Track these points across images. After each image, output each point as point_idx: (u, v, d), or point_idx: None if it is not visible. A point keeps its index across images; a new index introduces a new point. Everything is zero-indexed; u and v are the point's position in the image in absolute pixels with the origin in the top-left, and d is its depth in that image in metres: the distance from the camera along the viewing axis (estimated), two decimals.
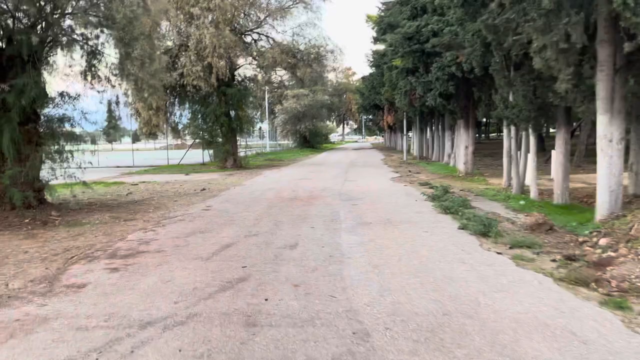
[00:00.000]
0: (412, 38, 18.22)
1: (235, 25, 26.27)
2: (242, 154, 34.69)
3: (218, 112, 26.32)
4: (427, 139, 34.07)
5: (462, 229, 8.53)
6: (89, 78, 13.68)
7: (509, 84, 11.63)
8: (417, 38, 18.17)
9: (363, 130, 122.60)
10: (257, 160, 37.13)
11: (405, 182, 18.02)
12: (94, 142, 55.74)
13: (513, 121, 11.71)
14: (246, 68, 28.74)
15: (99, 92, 14.53)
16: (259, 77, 31.09)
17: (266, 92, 56.37)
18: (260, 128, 79.17)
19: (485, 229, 7.99)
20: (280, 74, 62.51)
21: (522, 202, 11.48)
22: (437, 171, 22.84)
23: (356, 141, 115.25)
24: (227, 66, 25.55)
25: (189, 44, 25.18)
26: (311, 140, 57.74)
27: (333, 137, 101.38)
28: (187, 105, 28.22)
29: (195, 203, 12.99)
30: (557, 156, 11.15)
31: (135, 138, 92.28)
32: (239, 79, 29.08)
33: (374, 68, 53.76)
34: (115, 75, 14.28)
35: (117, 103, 14.53)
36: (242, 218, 10.25)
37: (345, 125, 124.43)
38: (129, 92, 26.49)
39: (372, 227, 8.96)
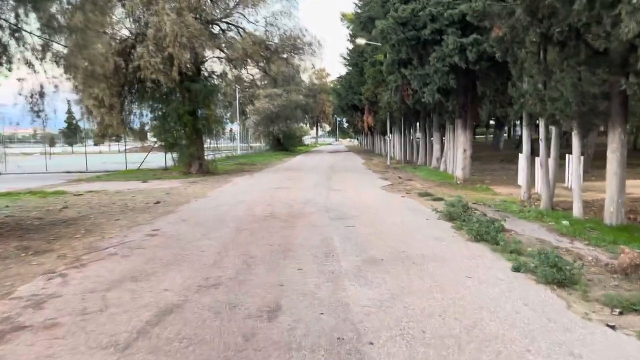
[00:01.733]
0: (407, 24, 15.60)
1: (201, 12, 23.21)
2: (210, 157, 31.56)
3: (181, 110, 23.19)
4: (414, 141, 31.67)
5: (520, 271, 5.85)
6: (2, 61, 10.61)
7: (545, 72, 9.06)
8: (412, 23, 15.57)
9: (337, 133, 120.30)
10: (226, 164, 34.02)
11: (400, 191, 15.37)
12: (52, 144, 51.19)
13: (553, 118, 9.15)
14: (214, 62, 25.73)
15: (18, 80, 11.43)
16: (228, 72, 28.07)
17: (237, 91, 53.25)
18: (230, 130, 75.91)
19: (561, 275, 5.33)
20: (252, 73, 59.58)
21: (565, 223, 8.92)
22: (430, 177, 20.30)
23: (330, 144, 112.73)
24: (192, 58, 22.50)
25: (146, 33, 22.08)
26: (285, 143, 54.81)
27: (306, 139, 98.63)
28: (147, 103, 24.92)
29: (141, 223, 9.99)
30: (611, 163, 8.63)
31: (99, 140, 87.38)
32: (206, 74, 26.01)
33: (350, 67, 51.32)
34: (40, 58, 11.22)
35: (42, 95, 11.28)
36: (198, 251, 7.34)
37: (319, 128, 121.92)
38: (78, 85, 23.30)
39: (386, 267, 6.19)
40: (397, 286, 5.40)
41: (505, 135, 53.22)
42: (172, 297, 5.16)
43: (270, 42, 24.62)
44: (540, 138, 10.65)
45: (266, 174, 24.34)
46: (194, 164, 24.77)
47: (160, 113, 24.75)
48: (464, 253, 6.89)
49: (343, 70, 61.65)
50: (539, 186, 13.19)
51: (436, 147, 25.84)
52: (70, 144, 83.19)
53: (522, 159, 12.58)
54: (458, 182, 17.96)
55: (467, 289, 5.29)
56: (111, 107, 22.55)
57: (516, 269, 5.88)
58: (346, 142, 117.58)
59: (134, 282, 5.76)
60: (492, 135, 55.24)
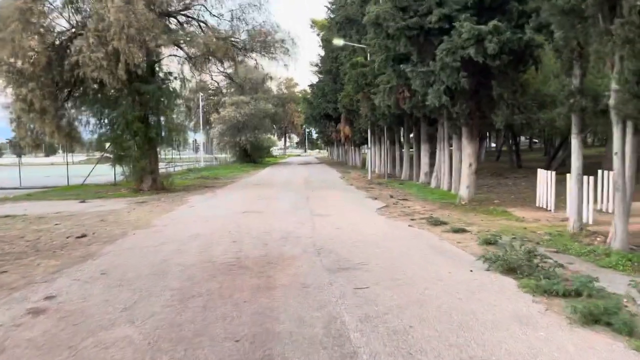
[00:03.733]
0: (407, 9, 12.60)
1: (154, 2, 19.66)
2: (165, 170, 27.77)
3: (130, 116, 19.51)
4: (395, 153, 28.71)
5: None
6: None
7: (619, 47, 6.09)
8: (413, 8, 12.58)
9: (306, 144, 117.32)
10: (187, 178, 30.29)
11: (400, 216, 12.24)
12: None
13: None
14: (171, 61, 22.14)
15: None
16: (189, 74, 24.46)
17: (200, 98, 49.53)
18: (194, 140, 71.72)
19: None
20: (218, 79, 56.01)
21: None
22: (426, 196, 17.28)
23: (299, 155, 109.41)
24: (143, 55, 18.92)
25: (87, 23, 18.44)
26: (252, 154, 51.18)
27: (274, 150, 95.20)
28: (91, 108, 21.03)
29: (34, 281, 6.44)
30: None
31: (51, 151, 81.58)
32: (162, 75, 22.31)
33: (322, 75, 48.45)
34: None
35: None
36: (102, 356, 3.93)
37: (287, 139, 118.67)
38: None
39: None
40: None
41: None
42: None
43: (237, 39, 21.26)
44: (615, 151, 7.66)
45: (232, 191, 20.85)
46: (146, 179, 21.07)
47: (106, 120, 21.02)
48: None
49: (311, 81, 58.76)
50: (587, 213, 10.30)
51: (425, 160, 22.95)
52: (19, 155, 76.85)
53: (572, 177, 9.60)
54: (463, 203, 14.99)
55: None
56: (43, 111, 18.66)
57: None
58: (315, 153, 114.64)
59: None
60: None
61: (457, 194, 17.19)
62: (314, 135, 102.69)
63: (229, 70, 49.68)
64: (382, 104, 16.01)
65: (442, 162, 20.08)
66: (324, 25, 50.53)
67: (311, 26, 58.65)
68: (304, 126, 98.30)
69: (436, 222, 10.91)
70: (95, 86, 19.28)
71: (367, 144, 34.68)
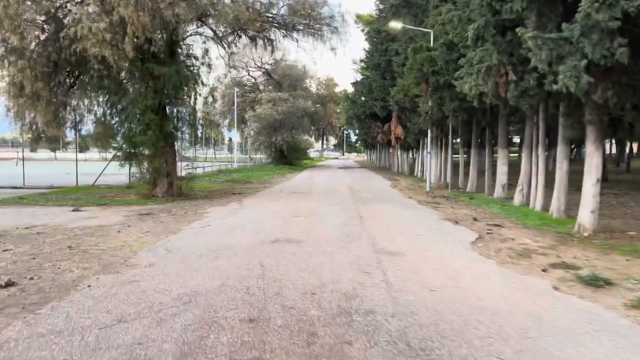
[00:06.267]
0: None
1: None
2: (194, 170, 23.94)
3: (141, 104, 15.78)
4: (450, 159, 24.06)
5: None
6: None
7: None
8: None
9: (344, 146, 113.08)
10: (215, 181, 26.54)
11: (519, 261, 7.83)
12: (34, 149, 42.66)
13: None
14: (195, 41, 18.28)
15: None
16: (223, 69, 20.65)
17: (235, 94, 46.05)
18: (230, 139, 68.45)
19: None
20: (255, 76, 52.32)
21: None
22: (520, 220, 12.75)
23: (336, 158, 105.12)
24: (157, 27, 15.19)
25: None
26: (289, 156, 47.34)
27: (311, 152, 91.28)
28: (95, 93, 17.44)
29: None
30: None
31: (84, 146, 79.85)
32: (184, 59, 18.39)
33: (368, 71, 44.19)
34: None
35: None
36: None
37: (325, 140, 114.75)
38: None
39: None
40: None
41: None
42: None
43: (274, 14, 17.22)
44: None
45: (262, 202, 16.81)
46: (160, 182, 17.31)
47: (115, 109, 17.38)
48: None
49: (355, 78, 54.30)
50: None
51: (504, 169, 18.35)
52: (53, 150, 75.13)
53: None
54: (586, 234, 10.44)
55: None
56: (35, 95, 15.13)
57: None
58: (353, 156, 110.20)
59: None
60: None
61: (562, 218, 12.71)
62: (353, 138, 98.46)
63: (266, 67, 45.91)
64: (474, 90, 11.55)
65: (533, 172, 15.50)
66: (371, 18, 46.39)
67: (355, 21, 54.60)
68: (342, 128, 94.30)
69: (594, 282, 6.47)
70: (100, 67, 15.63)
71: (419, 147, 30.23)
